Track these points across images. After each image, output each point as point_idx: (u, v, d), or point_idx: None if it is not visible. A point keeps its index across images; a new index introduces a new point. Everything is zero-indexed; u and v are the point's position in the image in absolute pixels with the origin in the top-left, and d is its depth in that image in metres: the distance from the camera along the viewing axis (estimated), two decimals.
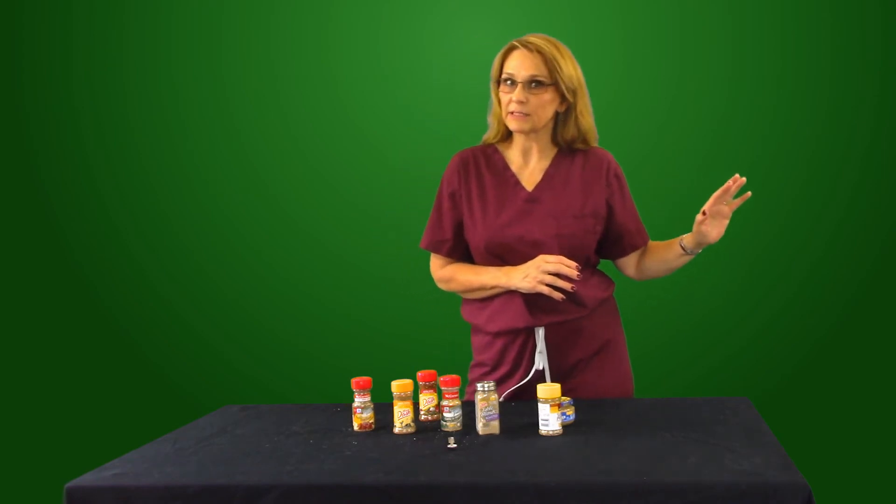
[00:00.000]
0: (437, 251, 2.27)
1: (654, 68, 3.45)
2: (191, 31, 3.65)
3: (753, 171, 3.42)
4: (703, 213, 2.10)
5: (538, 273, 2.07)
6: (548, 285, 2.07)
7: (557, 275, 2.07)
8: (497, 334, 2.20)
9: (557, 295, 2.08)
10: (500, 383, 2.18)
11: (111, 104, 3.69)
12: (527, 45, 2.12)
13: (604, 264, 2.34)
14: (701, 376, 3.43)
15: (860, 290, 3.39)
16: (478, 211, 2.20)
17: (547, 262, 2.07)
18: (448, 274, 2.26)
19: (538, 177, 2.22)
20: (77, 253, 3.73)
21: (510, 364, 2.20)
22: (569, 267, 2.06)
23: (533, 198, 2.19)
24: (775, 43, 3.40)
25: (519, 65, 2.12)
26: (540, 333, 2.16)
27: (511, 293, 2.16)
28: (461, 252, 2.26)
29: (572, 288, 2.08)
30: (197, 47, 3.65)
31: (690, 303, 3.46)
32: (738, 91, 3.42)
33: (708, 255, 3.44)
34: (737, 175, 2.05)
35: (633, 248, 2.27)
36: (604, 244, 2.27)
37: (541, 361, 2.16)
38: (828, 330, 3.40)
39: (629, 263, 2.30)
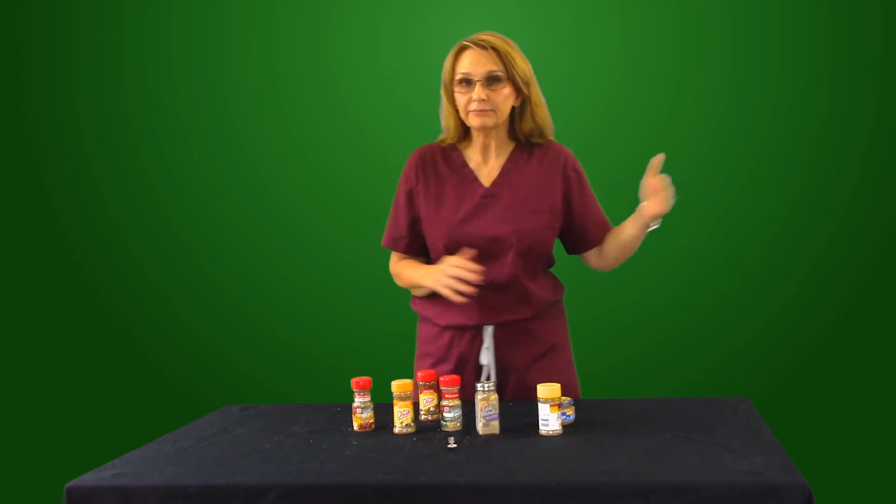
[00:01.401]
0: (394, 248, 2.31)
1: (654, 68, 3.45)
2: (191, 31, 3.65)
3: (753, 171, 3.45)
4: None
5: (441, 276, 2.08)
6: (459, 289, 2.07)
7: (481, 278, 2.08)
8: (446, 328, 2.22)
9: (458, 298, 2.06)
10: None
11: (111, 104, 3.69)
12: (479, 44, 2.14)
13: (560, 267, 2.35)
14: (701, 376, 3.43)
15: (860, 290, 3.39)
16: (436, 207, 2.22)
17: (450, 266, 2.08)
18: (396, 270, 2.31)
19: (496, 173, 2.23)
20: (77, 253, 3.73)
21: (456, 358, 2.21)
22: (471, 272, 2.05)
23: (490, 193, 2.21)
24: (775, 43, 3.40)
25: (474, 63, 2.14)
26: (488, 331, 2.17)
27: None
28: (418, 248, 2.28)
29: (474, 292, 2.06)
30: (197, 47, 3.65)
31: (690, 302, 3.46)
32: (738, 91, 3.42)
33: (708, 254, 3.45)
34: (661, 154, 2.09)
35: (599, 241, 2.28)
36: (569, 239, 2.28)
37: (486, 357, 2.16)
38: (828, 330, 3.40)
39: (592, 254, 2.31)
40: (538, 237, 2.18)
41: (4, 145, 3.72)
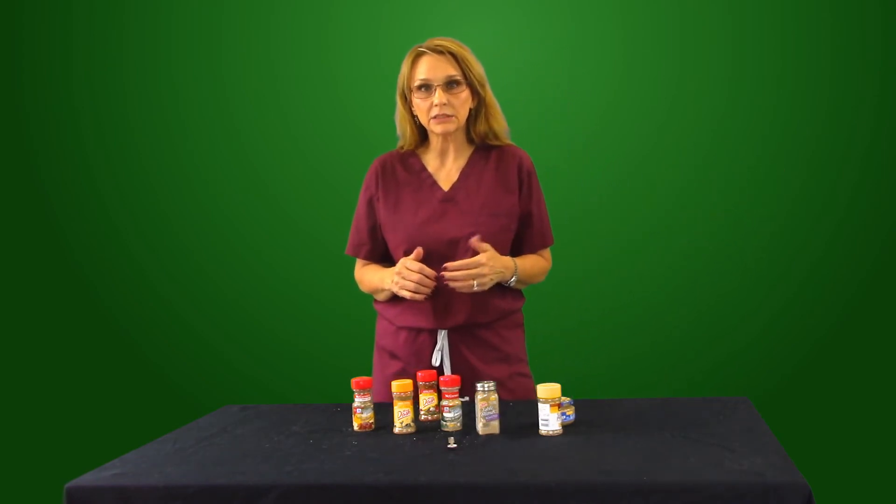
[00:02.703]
0: (357, 255, 2.34)
1: (654, 68, 3.45)
2: (191, 31, 3.65)
3: (753, 170, 3.45)
4: None
5: (399, 279, 2.12)
6: (419, 290, 2.12)
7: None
8: (401, 327, 2.24)
9: (416, 297, 2.11)
10: (398, 375, 2.19)
11: (111, 104, 3.69)
12: (435, 49, 2.17)
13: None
14: (701, 376, 3.43)
15: (860, 290, 3.39)
16: (395, 212, 2.24)
17: (409, 270, 2.11)
18: (359, 276, 2.34)
19: (455, 176, 2.26)
20: (77, 253, 3.73)
21: (410, 358, 2.23)
22: (428, 277, 2.11)
23: (449, 197, 2.23)
24: (775, 43, 3.40)
25: (433, 68, 2.16)
26: (442, 333, 2.20)
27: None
28: (380, 255, 2.31)
29: (429, 293, 2.12)
30: (197, 47, 3.65)
31: (690, 302, 3.46)
32: (738, 91, 3.42)
33: (708, 254, 3.45)
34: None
35: (532, 249, 2.29)
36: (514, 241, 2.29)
37: (438, 358, 2.19)
38: (828, 330, 3.40)
39: None
40: (495, 240, 2.19)
41: (4, 145, 3.72)
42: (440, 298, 2.17)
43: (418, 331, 2.22)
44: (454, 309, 2.18)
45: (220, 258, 3.69)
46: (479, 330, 2.22)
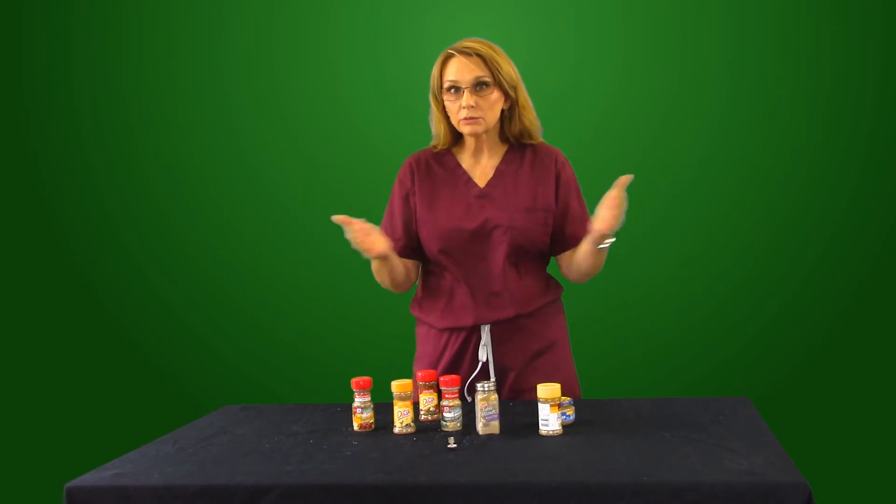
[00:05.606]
0: None
1: (654, 68, 3.45)
2: (191, 31, 3.65)
3: (753, 171, 3.45)
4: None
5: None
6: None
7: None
8: (442, 330, 2.24)
9: (370, 252, 2.10)
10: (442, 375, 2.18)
11: (111, 104, 3.69)
12: (464, 51, 2.17)
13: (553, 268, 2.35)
14: (701, 376, 3.43)
15: (860, 290, 3.39)
16: (430, 208, 2.24)
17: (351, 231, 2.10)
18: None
19: (490, 173, 2.26)
20: (77, 253, 3.72)
21: (452, 357, 2.23)
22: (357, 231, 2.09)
23: (485, 193, 2.23)
24: (775, 43, 3.40)
25: (461, 70, 2.16)
26: (486, 329, 2.20)
27: (459, 292, 2.20)
28: (412, 250, 2.29)
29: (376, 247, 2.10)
30: (197, 47, 3.65)
31: (690, 303, 3.46)
32: (738, 91, 3.42)
33: (709, 254, 3.46)
34: (630, 175, 2.04)
35: (577, 241, 2.25)
36: (554, 238, 2.27)
37: (484, 354, 2.19)
38: (828, 330, 3.40)
39: (565, 258, 2.29)
40: (532, 236, 2.20)
41: (4, 145, 3.72)
42: (480, 293, 2.18)
43: (459, 330, 2.22)
44: (493, 302, 2.19)
45: (220, 258, 3.68)
46: (520, 321, 2.21)
